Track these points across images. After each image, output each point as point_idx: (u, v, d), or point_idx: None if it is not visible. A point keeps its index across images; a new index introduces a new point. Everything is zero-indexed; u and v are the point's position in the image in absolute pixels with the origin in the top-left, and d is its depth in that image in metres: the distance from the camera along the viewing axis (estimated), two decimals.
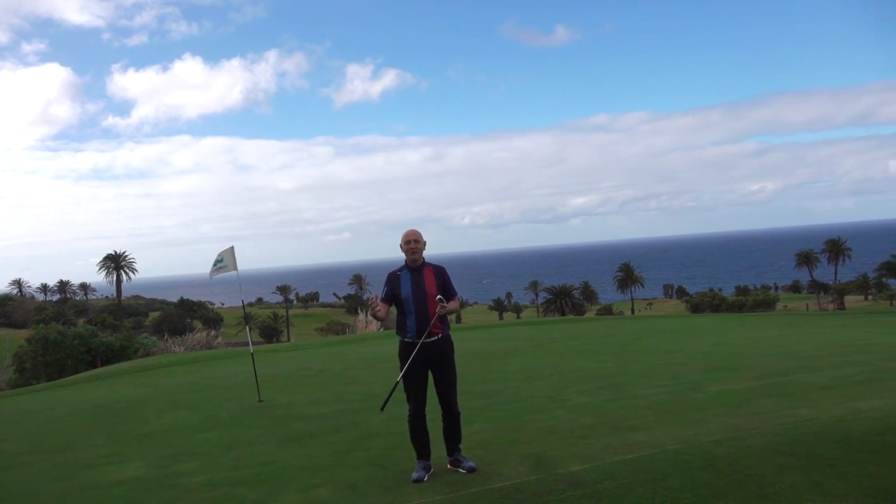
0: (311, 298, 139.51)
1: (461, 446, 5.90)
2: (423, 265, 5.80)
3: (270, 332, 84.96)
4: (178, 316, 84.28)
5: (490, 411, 8.00)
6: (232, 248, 10.29)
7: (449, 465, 5.82)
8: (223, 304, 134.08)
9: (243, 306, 11.01)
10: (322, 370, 12.81)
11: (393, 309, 5.97)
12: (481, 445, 6.46)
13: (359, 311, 30.93)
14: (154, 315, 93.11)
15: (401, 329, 5.79)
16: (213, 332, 30.39)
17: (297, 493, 5.62)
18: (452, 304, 5.78)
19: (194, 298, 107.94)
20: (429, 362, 5.68)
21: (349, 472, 6.04)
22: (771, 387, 7.93)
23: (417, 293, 5.65)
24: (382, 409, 6.05)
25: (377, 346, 16.63)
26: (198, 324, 73.54)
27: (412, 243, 5.78)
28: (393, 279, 5.82)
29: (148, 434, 8.50)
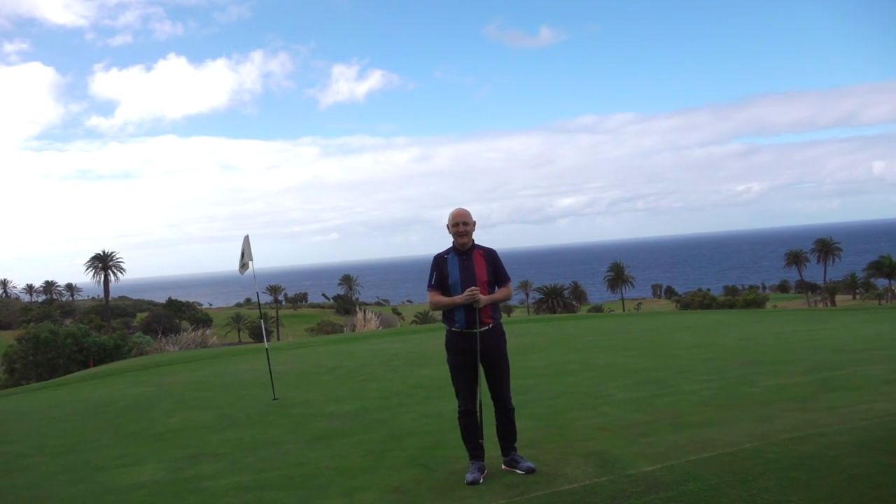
0: (300, 299, 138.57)
1: (517, 445, 5.41)
2: (472, 248, 5.32)
3: (260, 333, 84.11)
4: (167, 317, 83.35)
5: (529, 408, 7.50)
6: (247, 237, 9.76)
7: (504, 466, 5.34)
8: (211, 305, 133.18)
9: (258, 298, 10.44)
10: (334, 367, 12.27)
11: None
12: (532, 444, 5.96)
13: (357, 309, 30.29)
14: (142, 316, 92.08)
15: (448, 318, 5.33)
16: (207, 331, 29.72)
17: (340, 497, 5.10)
18: (502, 293, 5.34)
19: (182, 299, 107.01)
20: (480, 354, 5.22)
21: (392, 474, 5.52)
22: (829, 381, 7.49)
23: (466, 279, 5.19)
24: (481, 437, 5.35)
25: (386, 344, 16.11)
26: (187, 324, 72.66)
27: (460, 226, 5.27)
28: (440, 263, 5.37)
29: (159, 434, 7.94)
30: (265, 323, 10.53)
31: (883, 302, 75.63)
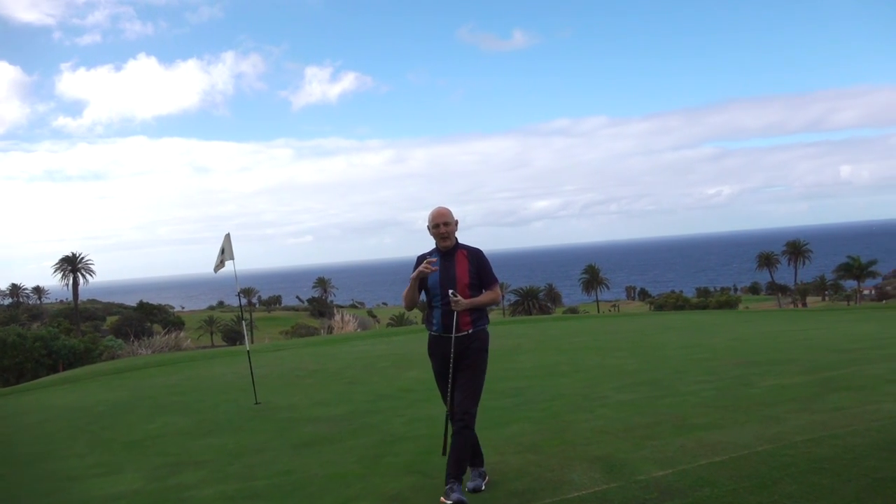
0: (274, 302, 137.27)
1: (484, 472, 4.91)
2: (455, 248, 4.97)
3: (234, 336, 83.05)
4: (138, 320, 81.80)
5: (524, 411, 7.28)
6: (228, 235, 9.41)
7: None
8: (183, 308, 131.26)
9: (239, 300, 10.08)
10: (316, 370, 11.94)
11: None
12: (532, 448, 5.73)
13: (335, 311, 29.88)
14: (112, 319, 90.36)
15: (428, 321, 5.06)
16: (181, 334, 29.08)
17: None
18: (486, 296, 4.89)
19: (154, 302, 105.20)
20: (458, 359, 4.84)
21: (387, 482, 5.24)
22: (831, 381, 7.35)
23: (445, 281, 4.83)
24: (444, 452, 4.77)
25: (368, 346, 15.78)
26: (158, 328, 71.43)
27: (441, 227, 4.90)
28: (421, 262, 5.01)
29: (137, 441, 7.56)
30: (248, 324, 10.16)
31: (851, 303, 76.78)
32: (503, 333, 16.59)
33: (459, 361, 4.82)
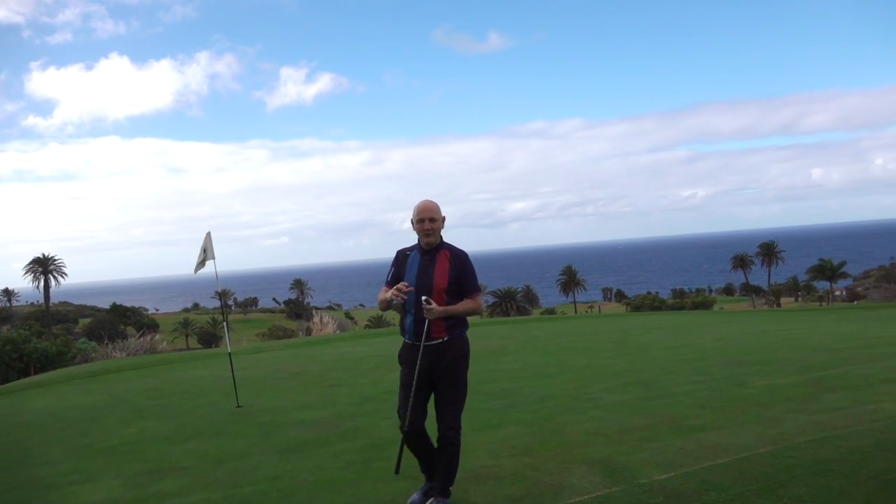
0: (250, 304, 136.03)
1: (451, 489, 4.51)
2: (439, 248, 4.53)
3: (209, 338, 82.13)
4: (111, 322, 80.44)
5: (515, 412, 7.13)
6: (209, 234, 9.15)
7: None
8: (157, 310, 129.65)
9: (221, 300, 9.80)
10: (298, 372, 11.69)
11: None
12: (527, 451, 5.58)
13: (313, 312, 29.58)
14: (84, 322, 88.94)
15: (401, 327, 4.64)
16: (156, 337, 28.57)
17: None
18: (463, 305, 4.44)
19: (127, 304, 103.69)
20: (427, 371, 4.42)
21: (379, 488, 5.06)
22: (824, 381, 7.29)
23: (421, 283, 4.39)
24: (397, 472, 4.53)
25: (350, 347, 15.55)
26: (132, 330, 70.37)
27: (426, 223, 4.46)
28: (400, 259, 4.65)
29: (114, 447, 7.27)
30: (226, 326, 9.91)
31: (824, 304, 77.85)
32: (485, 334, 16.45)
33: (432, 373, 4.41)
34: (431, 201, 4.58)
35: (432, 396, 4.54)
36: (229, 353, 9.86)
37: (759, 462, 4.68)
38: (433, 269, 4.46)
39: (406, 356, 4.57)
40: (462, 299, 4.47)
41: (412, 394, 4.41)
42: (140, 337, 27.69)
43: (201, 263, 9.02)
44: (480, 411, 7.19)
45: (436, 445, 4.52)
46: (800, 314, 18.83)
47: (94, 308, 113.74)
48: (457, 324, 4.50)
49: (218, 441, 7.08)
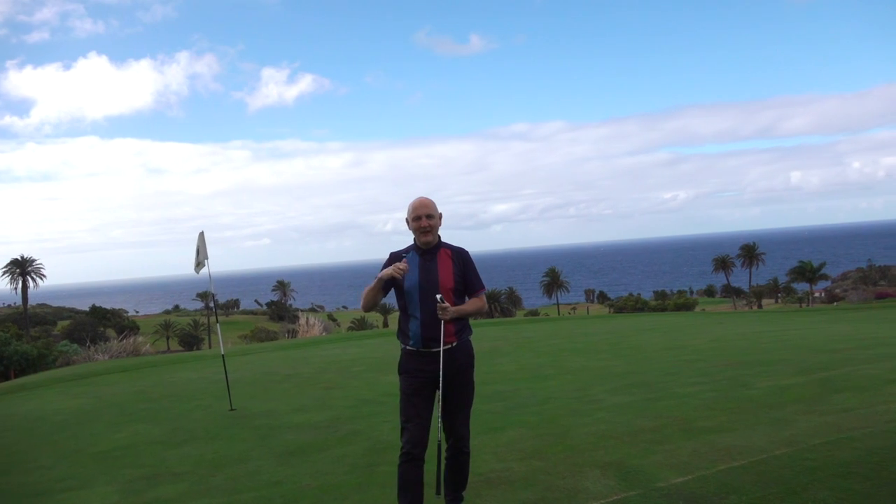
0: (232, 306, 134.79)
1: (464, 494, 4.37)
2: (437, 247, 4.24)
3: (191, 341, 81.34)
4: (91, 324, 79.31)
5: (517, 415, 7.01)
6: (202, 233, 8.96)
7: None
8: (138, 312, 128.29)
9: (213, 301, 9.61)
10: (290, 374, 11.50)
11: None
12: (535, 454, 5.47)
13: (299, 315, 29.31)
14: (63, 324, 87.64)
15: (402, 334, 4.25)
16: (139, 339, 28.13)
17: None
18: (472, 304, 4.22)
19: (107, 306, 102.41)
20: (437, 380, 4.08)
21: (386, 493, 4.91)
22: (829, 381, 7.24)
23: (427, 284, 4.10)
24: (438, 492, 4.15)
25: (340, 349, 15.37)
26: (112, 332, 69.47)
27: (423, 220, 4.15)
28: (395, 261, 4.23)
29: (106, 451, 7.06)
30: (218, 328, 9.71)
31: (804, 305, 78.61)
32: (477, 336, 16.23)
33: (447, 379, 4.10)
34: (427, 198, 4.27)
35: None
36: (223, 355, 9.68)
37: (777, 464, 4.60)
38: (436, 269, 4.16)
39: (412, 365, 4.17)
40: (466, 299, 4.24)
41: (421, 409, 4.11)
42: (123, 339, 27.26)
43: (200, 264, 8.84)
44: (481, 413, 7.06)
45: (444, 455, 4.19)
46: (789, 315, 18.91)
47: (72, 310, 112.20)
48: (464, 327, 4.25)
49: (214, 445, 6.91)
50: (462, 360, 4.18)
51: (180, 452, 6.73)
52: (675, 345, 11.79)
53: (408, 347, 4.19)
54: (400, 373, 4.25)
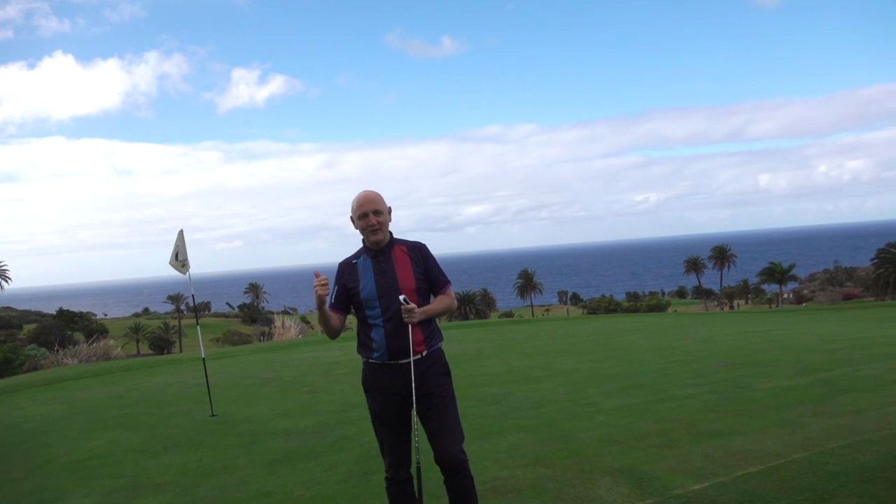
0: (204, 308, 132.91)
1: None
2: (390, 245, 3.75)
3: (161, 344, 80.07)
4: (58, 328, 77.65)
5: (513, 419, 6.77)
6: (181, 231, 8.60)
7: None
8: (106, 315, 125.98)
9: (194, 302, 9.24)
10: (271, 378, 11.15)
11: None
12: (539, 461, 5.22)
13: (276, 317, 28.83)
14: (29, 327, 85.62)
15: (363, 346, 3.73)
16: (110, 342, 27.45)
17: None
18: (440, 302, 3.74)
19: (74, 309, 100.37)
20: (410, 395, 3.58)
21: (384, 503, 4.64)
22: (831, 382, 7.11)
23: (386, 289, 3.61)
24: None
25: (319, 352, 15.00)
26: (80, 336, 68.04)
27: (370, 216, 3.65)
28: (345, 271, 3.76)
29: (81, 461, 6.68)
30: (198, 330, 9.36)
31: (773, 306, 79.64)
32: (459, 338, 16.11)
33: (421, 395, 3.60)
34: (372, 191, 3.74)
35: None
36: (203, 359, 9.29)
37: (797, 469, 4.41)
38: (393, 270, 3.66)
39: (378, 381, 3.69)
40: (432, 299, 3.76)
41: (396, 428, 3.67)
42: (93, 342, 26.57)
43: (184, 264, 8.47)
44: (475, 418, 6.83)
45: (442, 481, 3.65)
46: (769, 315, 18.95)
47: (38, 313, 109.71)
48: (434, 332, 3.73)
49: (197, 453, 6.57)
50: (434, 373, 3.65)
51: (161, 461, 6.39)
52: (664, 346, 11.66)
53: (371, 360, 3.68)
54: (365, 390, 3.80)
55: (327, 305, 3.68)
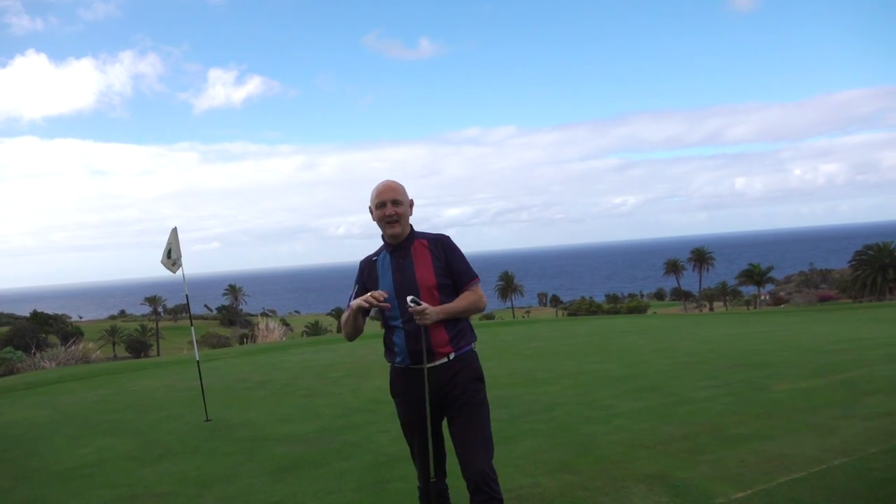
0: (181, 310, 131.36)
1: None
2: (410, 239, 3.47)
3: (138, 347, 78.91)
4: (32, 331, 76.10)
5: (527, 423, 6.53)
6: (175, 229, 8.26)
7: None
8: (81, 318, 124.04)
9: (187, 302, 8.87)
10: (264, 381, 10.81)
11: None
12: (564, 467, 4.98)
13: (259, 319, 28.39)
14: (2, 330, 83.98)
15: (388, 350, 3.53)
16: (89, 345, 26.83)
17: None
18: (464, 300, 3.38)
19: (49, 311, 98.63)
20: (433, 402, 3.35)
21: None
22: (851, 383, 6.95)
23: (403, 286, 3.34)
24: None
25: (310, 354, 14.65)
26: (54, 339, 66.80)
27: (388, 207, 3.39)
28: (365, 268, 3.55)
29: (72, 469, 6.32)
30: (192, 332, 9.02)
31: (751, 307, 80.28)
32: None
33: (446, 403, 3.37)
34: (394, 181, 3.48)
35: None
36: (197, 361, 8.94)
37: (841, 476, 4.21)
38: (411, 266, 3.39)
39: (403, 387, 3.47)
40: (457, 296, 3.44)
41: (424, 437, 3.42)
42: (70, 345, 25.95)
43: (175, 262, 8.13)
44: None
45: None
46: (760, 317, 18.90)
47: (11, 316, 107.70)
48: (461, 333, 3.41)
49: (195, 461, 6.24)
50: (463, 378, 3.35)
51: (158, 469, 6.05)
52: (664, 346, 11.48)
53: (395, 364, 3.48)
54: (392, 396, 3.58)
55: (349, 306, 3.49)
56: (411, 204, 3.49)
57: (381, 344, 3.65)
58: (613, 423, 6.20)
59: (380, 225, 3.45)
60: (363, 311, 3.46)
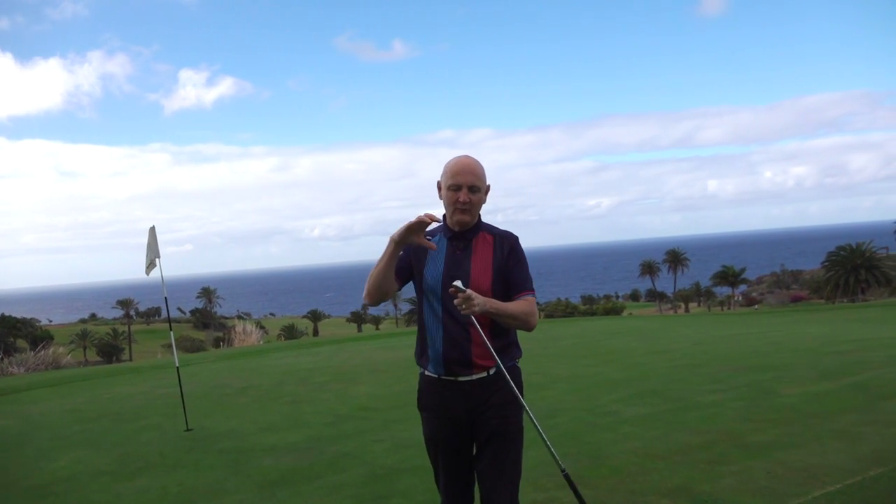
0: (153, 314, 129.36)
1: None
2: (475, 230, 2.95)
3: (110, 351, 77.43)
4: (0, 335, 74.51)
5: (528, 431, 6.17)
6: (153, 228, 7.82)
7: None
8: (51, 321, 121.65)
9: (166, 304, 8.43)
10: (245, 387, 10.36)
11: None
12: (577, 481, 4.58)
13: (236, 321, 27.82)
14: None
15: (420, 352, 3.01)
16: (60, 350, 26.04)
17: None
18: (516, 305, 2.82)
19: (16, 314, 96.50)
20: (469, 420, 2.90)
21: None
22: (863, 386, 6.74)
23: (452, 282, 2.74)
24: None
25: (291, 358, 14.21)
26: (24, 343, 65.30)
27: (464, 191, 2.84)
28: (419, 246, 2.91)
29: (44, 485, 5.86)
30: (171, 336, 8.58)
31: (725, 308, 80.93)
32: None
33: (480, 420, 2.90)
34: (474, 159, 2.92)
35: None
36: (177, 367, 8.49)
37: (882, 489, 3.94)
38: (468, 260, 2.88)
39: (434, 400, 2.97)
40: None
41: (453, 462, 2.96)
42: (40, 350, 25.15)
43: (151, 263, 7.70)
44: None
45: None
46: (745, 317, 18.80)
47: None
48: (509, 346, 2.96)
49: (177, 475, 5.83)
50: (502, 398, 2.88)
51: (136, 485, 5.63)
52: (658, 349, 11.24)
53: (426, 373, 2.98)
54: (419, 408, 3.06)
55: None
56: (487, 190, 2.95)
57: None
58: (621, 430, 5.90)
59: (448, 208, 2.92)
60: (404, 264, 2.93)
